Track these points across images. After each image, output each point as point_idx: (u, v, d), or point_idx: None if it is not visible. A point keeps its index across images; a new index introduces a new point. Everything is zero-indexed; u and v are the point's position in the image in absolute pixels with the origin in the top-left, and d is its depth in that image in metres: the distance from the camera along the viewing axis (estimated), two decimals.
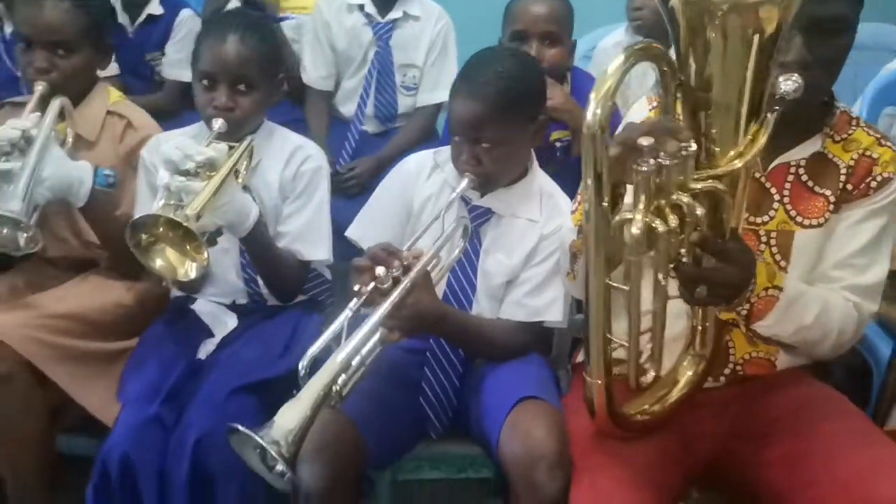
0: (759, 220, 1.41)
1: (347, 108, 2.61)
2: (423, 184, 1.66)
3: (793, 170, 1.41)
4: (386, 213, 1.67)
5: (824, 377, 1.53)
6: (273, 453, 1.17)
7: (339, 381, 1.32)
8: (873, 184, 1.38)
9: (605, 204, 1.13)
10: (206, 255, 1.39)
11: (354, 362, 1.35)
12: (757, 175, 1.41)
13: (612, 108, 1.08)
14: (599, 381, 1.25)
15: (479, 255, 1.61)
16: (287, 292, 1.77)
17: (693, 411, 1.39)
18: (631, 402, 1.33)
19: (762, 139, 1.16)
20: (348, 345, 1.31)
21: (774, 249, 1.41)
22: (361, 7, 2.56)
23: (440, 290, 1.57)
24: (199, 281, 1.74)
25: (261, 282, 1.74)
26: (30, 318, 1.65)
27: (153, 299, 1.84)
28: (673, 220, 1.13)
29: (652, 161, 1.10)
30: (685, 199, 1.13)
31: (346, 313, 1.35)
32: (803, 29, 1.27)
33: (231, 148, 1.58)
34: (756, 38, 1.10)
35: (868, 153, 1.39)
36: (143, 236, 1.40)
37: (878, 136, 1.42)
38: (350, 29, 2.56)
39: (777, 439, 1.36)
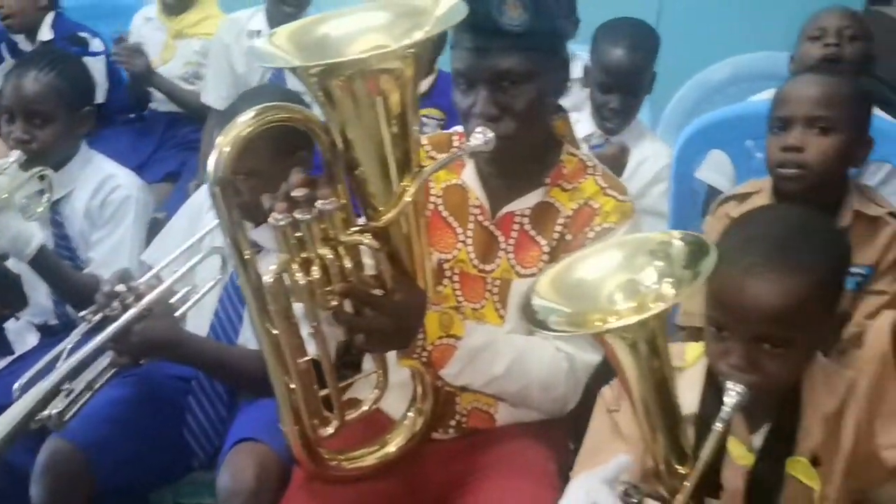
0: (487, 267, 1.40)
1: None
2: (208, 213, 1.70)
3: (518, 219, 1.39)
4: (174, 240, 1.71)
5: None
6: None
7: (59, 405, 1.39)
8: (591, 234, 1.35)
9: (248, 256, 1.16)
10: None
11: (79, 386, 1.42)
12: (486, 223, 1.41)
13: (235, 155, 1.10)
14: (297, 427, 1.26)
15: None
16: None
17: (420, 460, 1.38)
18: (332, 451, 1.32)
19: (411, 191, 1.17)
20: (60, 371, 1.37)
21: (496, 298, 1.39)
22: (259, 33, 2.62)
23: (207, 317, 1.63)
24: (17, 302, 1.85)
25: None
26: None
27: None
28: (316, 273, 1.15)
29: (287, 215, 1.13)
30: (328, 253, 1.15)
31: (73, 337, 1.43)
32: (486, 82, 1.27)
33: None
34: (381, 100, 1.11)
35: (590, 203, 1.36)
36: None
37: (607, 185, 1.39)
38: (249, 53, 2.63)
39: (467, 490, 1.34)
